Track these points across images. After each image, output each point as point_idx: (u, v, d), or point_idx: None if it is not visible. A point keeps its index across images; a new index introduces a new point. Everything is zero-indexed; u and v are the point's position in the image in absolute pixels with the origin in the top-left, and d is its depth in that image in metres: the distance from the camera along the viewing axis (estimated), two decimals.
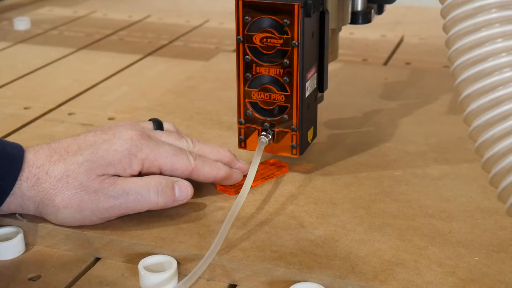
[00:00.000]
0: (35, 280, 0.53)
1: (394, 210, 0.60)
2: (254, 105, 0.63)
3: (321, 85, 0.66)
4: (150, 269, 0.52)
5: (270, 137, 0.63)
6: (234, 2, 0.60)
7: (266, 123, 0.63)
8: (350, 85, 0.90)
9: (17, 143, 0.57)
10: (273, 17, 0.60)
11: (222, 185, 0.63)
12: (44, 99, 0.89)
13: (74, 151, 0.57)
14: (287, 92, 0.62)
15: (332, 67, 0.73)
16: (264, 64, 0.62)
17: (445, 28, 0.48)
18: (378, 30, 1.17)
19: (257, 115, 0.63)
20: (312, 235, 0.56)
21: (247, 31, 0.61)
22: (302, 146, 0.64)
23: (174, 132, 0.64)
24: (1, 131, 0.79)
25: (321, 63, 0.65)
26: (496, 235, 0.56)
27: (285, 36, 0.60)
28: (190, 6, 1.41)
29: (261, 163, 0.61)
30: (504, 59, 0.45)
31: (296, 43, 0.60)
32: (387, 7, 0.75)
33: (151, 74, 0.99)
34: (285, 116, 0.62)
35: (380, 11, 0.74)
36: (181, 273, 0.53)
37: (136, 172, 0.58)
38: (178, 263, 0.53)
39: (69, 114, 0.84)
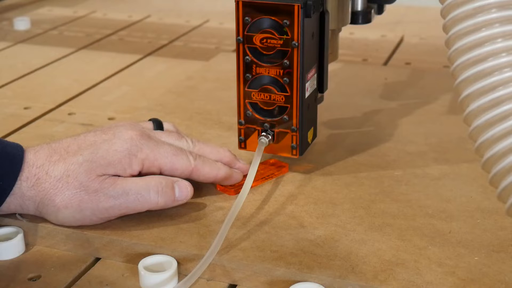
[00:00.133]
0: (35, 280, 0.53)
1: (394, 210, 0.60)
2: (254, 105, 0.63)
3: (321, 86, 0.66)
4: (150, 269, 0.52)
5: (270, 137, 0.63)
6: (234, 3, 0.60)
7: (266, 124, 0.63)
8: (350, 85, 0.90)
9: (17, 143, 0.57)
10: (273, 18, 0.60)
11: (222, 185, 0.63)
12: (44, 99, 0.89)
13: (74, 151, 0.57)
14: (287, 92, 0.62)
15: (332, 67, 0.73)
16: (264, 64, 0.61)
17: (445, 28, 0.48)
18: (378, 30, 1.17)
19: (257, 116, 0.63)
20: (312, 235, 0.56)
21: (247, 32, 0.61)
22: (302, 146, 0.64)
23: (174, 132, 0.64)
24: (1, 131, 0.79)
25: (321, 63, 0.65)
26: (496, 235, 0.56)
27: (285, 36, 0.60)
28: (190, 6, 1.41)
29: (261, 163, 0.61)
30: (504, 59, 0.45)
31: (296, 44, 0.60)
32: (387, 7, 0.75)
33: (151, 74, 0.99)
34: (285, 116, 0.62)
35: (380, 11, 0.74)
36: (181, 273, 0.53)
37: (136, 172, 0.58)
38: (178, 263, 0.53)
39: (69, 114, 0.84)
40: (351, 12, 0.70)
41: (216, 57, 1.03)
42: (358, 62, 1.04)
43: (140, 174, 0.58)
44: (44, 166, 0.56)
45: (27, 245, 0.57)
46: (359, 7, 0.71)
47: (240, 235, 0.56)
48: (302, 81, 0.61)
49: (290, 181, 0.65)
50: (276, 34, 0.60)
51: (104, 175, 0.56)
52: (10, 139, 0.64)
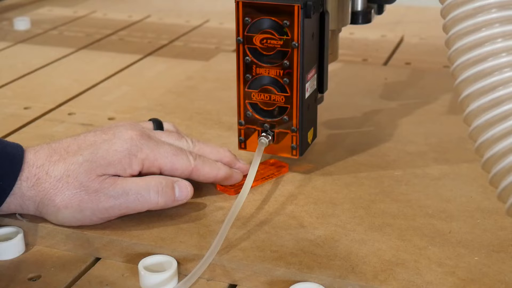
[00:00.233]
0: (35, 280, 0.53)
1: (394, 210, 0.60)
2: (254, 106, 0.63)
3: (321, 86, 0.66)
4: (150, 269, 0.52)
5: (270, 138, 0.63)
6: (234, 3, 0.60)
7: (266, 124, 0.63)
8: (350, 85, 0.90)
9: (17, 143, 0.57)
10: (273, 18, 0.60)
11: (222, 185, 0.63)
12: (44, 99, 0.89)
13: (74, 151, 0.57)
14: (287, 93, 0.62)
15: (332, 67, 0.73)
16: (264, 65, 0.61)
17: (445, 28, 0.48)
18: (378, 30, 1.17)
19: (257, 116, 0.63)
20: (312, 235, 0.56)
21: (247, 32, 0.61)
22: (302, 147, 0.64)
23: (174, 132, 0.64)
24: (1, 131, 0.79)
25: (321, 64, 0.65)
26: (496, 235, 0.56)
27: (285, 37, 0.60)
28: (190, 6, 1.41)
29: (261, 163, 0.61)
30: (504, 59, 0.45)
31: (296, 44, 0.60)
32: (387, 7, 0.75)
33: (151, 74, 0.99)
34: (285, 117, 0.62)
35: (380, 11, 0.74)
36: (181, 273, 0.53)
37: (136, 172, 0.58)
38: (178, 263, 0.53)
39: (69, 114, 0.84)
40: (351, 12, 0.70)
41: (216, 57, 1.03)
42: (358, 62, 1.04)
43: (140, 174, 0.58)
44: (44, 166, 0.56)
45: (27, 245, 0.57)
46: (359, 7, 0.71)
47: (240, 235, 0.56)
48: (302, 82, 0.61)
49: (290, 181, 0.65)
50: (276, 35, 0.60)
51: (104, 175, 0.56)
52: (10, 139, 0.64)
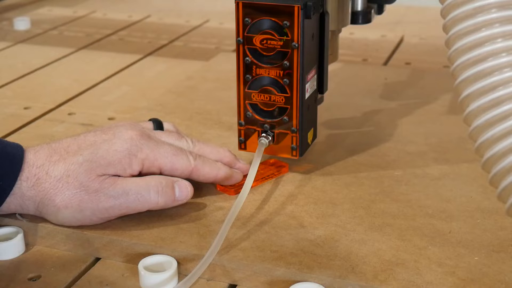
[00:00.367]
0: (35, 280, 0.53)
1: (394, 210, 0.60)
2: (254, 106, 0.63)
3: (321, 87, 0.66)
4: (150, 269, 0.52)
5: (270, 138, 0.63)
6: (234, 3, 0.60)
7: (266, 125, 0.63)
8: (350, 85, 0.90)
9: (17, 143, 0.57)
10: (273, 19, 0.60)
11: (222, 185, 0.63)
12: (44, 99, 0.89)
13: (74, 151, 0.57)
14: (287, 93, 0.62)
15: (332, 67, 0.73)
16: (264, 65, 0.61)
17: (445, 28, 0.48)
18: (378, 30, 1.17)
19: (257, 117, 0.63)
20: (312, 235, 0.56)
21: (247, 33, 0.61)
22: (302, 147, 0.64)
23: (174, 132, 0.64)
24: (1, 131, 0.79)
25: (321, 64, 0.65)
26: (496, 235, 0.56)
27: (285, 37, 0.60)
28: (190, 6, 1.41)
29: (261, 163, 0.61)
30: (504, 59, 0.45)
31: (296, 45, 0.60)
32: (387, 7, 0.75)
33: (151, 74, 0.99)
34: (285, 117, 0.62)
35: (380, 11, 0.74)
36: (181, 273, 0.53)
37: (136, 172, 0.58)
38: (178, 263, 0.53)
39: (69, 114, 0.84)
40: (351, 12, 0.70)
41: (216, 57, 1.03)
42: (358, 62, 1.04)
43: (140, 174, 0.58)
44: (44, 166, 0.56)
45: (27, 245, 0.57)
46: (359, 7, 0.71)
47: (240, 235, 0.56)
48: (302, 82, 0.61)
49: (290, 181, 0.65)
50: (276, 35, 0.60)
51: (104, 175, 0.56)
52: (10, 139, 0.64)
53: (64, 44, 1.13)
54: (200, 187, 0.62)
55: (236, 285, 0.53)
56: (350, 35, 1.16)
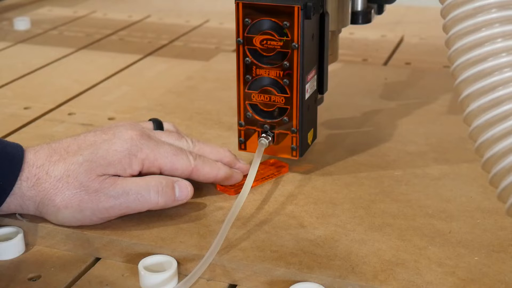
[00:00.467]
0: (35, 280, 0.53)
1: (394, 210, 0.60)
2: (254, 107, 0.63)
3: (321, 87, 0.66)
4: (150, 269, 0.52)
5: (270, 139, 0.63)
6: (234, 3, 0.60)
7: (266, 125, 0.63)
8: (350, 85, 0.90)
9: (17, 143, 0.57)
10: (273, 19, 0.60)
11: (222, 185, 0.63)
12: (44, 99, 0.89)
13: (74, 151, 0.57)
14: (287, 94, 0.62)
15: (332, 67, 0.73)
16: (264, 66, 0.61)
17: (445, 28, 0.48)
18: (378, 30, 1.17)
19: (257, 117, 0.63)
20: (312, 235, 0.56)
21: (247, 33, 0.61)
22: (302, 148, 0.64)
23: (174, 132, 0.64)
24: (1, 131, 0.79)
25: (321, 65, 0.65)
26: (496, 235, 0.56)
27: (285, 38, 0.60)
28: (190, 6, 1.41)
29: (261, 163, 0.61)
30: (504, 59, 0.45)
31: (296, 45, 0.60)
32: (387, 7, 0.75)
33: (151, 74, 0.99)
34: (285, 118, 0.62)
35: (380, 11, 0.74)
36: (181, 273, 0.53)
37: (136, 172, 0.58)
38: (178, 263, 0.53)
39: (69, 114, 0.84)
40: (351, 12, 0.70)
41: (216, 57, 1.03)
42: (358, 62, 1.04)
43: (140, 174, 0.58)
44: (44, 166, 0.56)
45: (27, 245, 0.57)
46: (359, 7, 0.71)
47: (240, 235, 0.56)
48: (302, 83, 0.61)
49: (290, 181, 0.65)
50: (276, 36, 0.60)
51: (104, 175, 0.56)
52: (10, 139, 0.64)
53: (64, 44, 1.14)
54: (200, 187, 0.62)
55: (236, 285, 0.53)
56: (350, 35, 1.16)
